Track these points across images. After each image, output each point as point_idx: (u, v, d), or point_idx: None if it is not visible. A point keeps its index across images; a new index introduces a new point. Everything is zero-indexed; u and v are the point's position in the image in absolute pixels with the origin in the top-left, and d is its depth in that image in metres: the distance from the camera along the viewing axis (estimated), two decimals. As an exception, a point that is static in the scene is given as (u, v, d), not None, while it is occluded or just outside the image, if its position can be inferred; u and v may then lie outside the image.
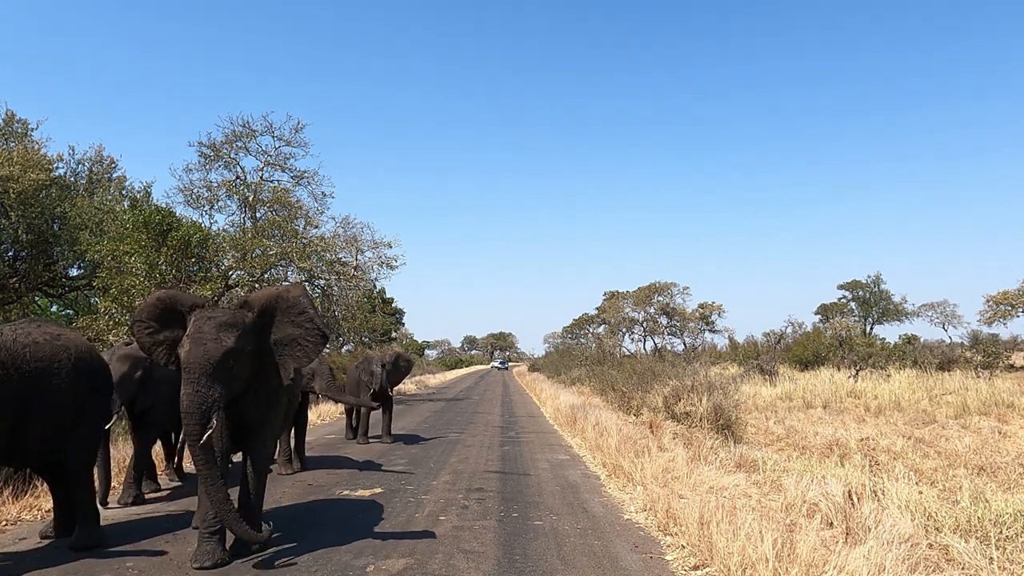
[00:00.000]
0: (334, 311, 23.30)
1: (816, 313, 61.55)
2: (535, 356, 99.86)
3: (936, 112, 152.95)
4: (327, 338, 6.11)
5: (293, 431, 9.89)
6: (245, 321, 5.46)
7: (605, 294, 66.05)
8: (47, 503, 7.25)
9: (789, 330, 54.36)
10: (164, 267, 15.72)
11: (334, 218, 40.85)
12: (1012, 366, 35.13)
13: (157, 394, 7.71)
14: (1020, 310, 41.02)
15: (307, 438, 14.02)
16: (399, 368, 13.60)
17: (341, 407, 17.32)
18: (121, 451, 9.31)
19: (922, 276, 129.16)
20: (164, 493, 8.21)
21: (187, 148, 32.29)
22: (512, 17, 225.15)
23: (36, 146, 17.19)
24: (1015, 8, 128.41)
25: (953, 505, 7.35)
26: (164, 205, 19.01)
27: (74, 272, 19.16)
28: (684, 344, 56.92)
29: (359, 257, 23.26)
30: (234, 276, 18.74)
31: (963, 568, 5.11)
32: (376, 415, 13.91)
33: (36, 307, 21.23)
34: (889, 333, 71.67)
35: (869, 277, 60.52)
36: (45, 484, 7.85)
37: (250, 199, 21.50)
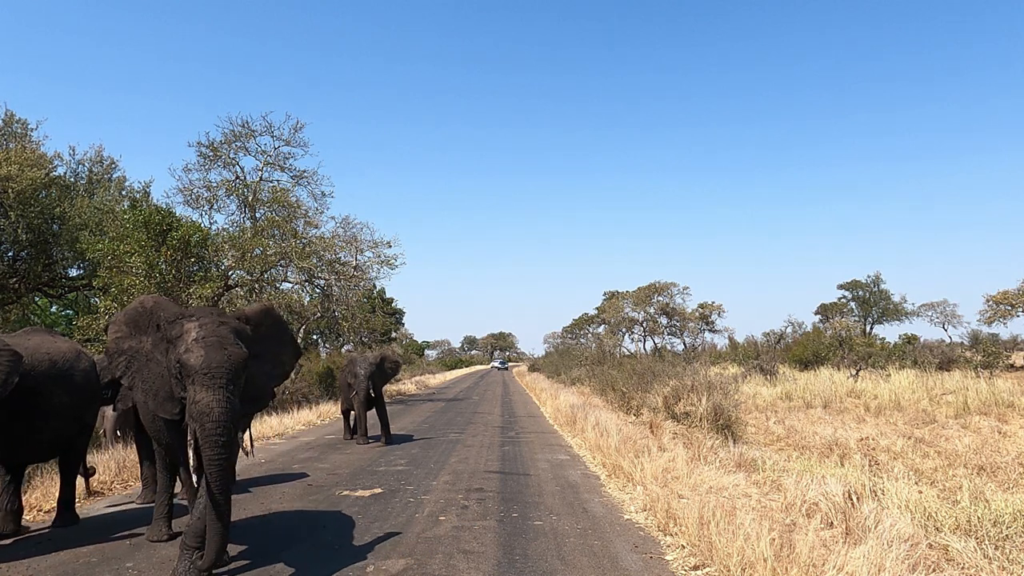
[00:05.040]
0: (334, 311, 23.34)
1: (816, 313, 61.74)
2: (535, 356, 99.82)
3: (936, 112, 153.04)
4: (301, 354, 6.00)
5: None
6: (248, 332, 5.20)
7: (605, 294, 66.18)
8: (47, 503, 7.27)
9: (789, 330, 54.43)
10: (164, 267, 15.72)
11: (334, 218, 41.05)
12: (1012, 366, 35.11)
13: None
14: (1020, 310, 41.00)
15: (308, 438, 14.08)
16: (384, 370, 13.31)
17: (340, 408, 17.31)
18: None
19: (922, 276, 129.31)
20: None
21: (187, 148, 32.38)
22: (512, 18, 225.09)
23: (35, 145, 17.19)
24: (1016, 8, 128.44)
25: (953, 505, 7.35)
26: (164, 205, 19.03)
27: (74, 272, 19.15)
28: (684, 344, 56.96)
29: (359, 257, 23.28)
30: (234, 276, 18.75)
31: (962, 568, 5.11)
32: (373, 417, 13.85)
33: (36, 307, 21.24)
34: (889, 333, 71.82)
35: (869, 277, 60.68)
36: (44, 482, 7.87)
37: (249, 199, 21.52)
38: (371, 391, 12.88)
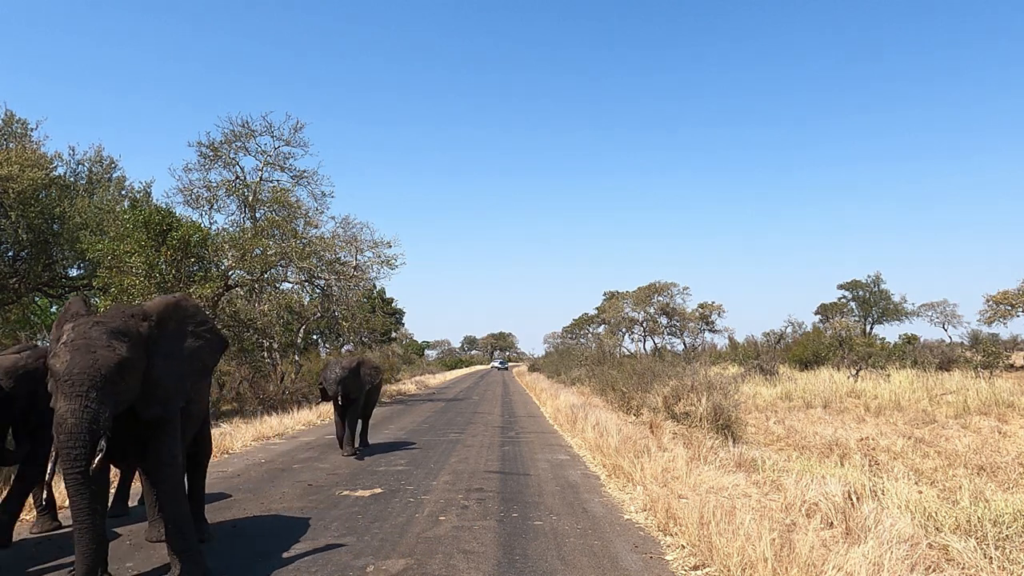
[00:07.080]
0: (334, 311, 23.37)
1: (816, 313, 61.85)
2: (535, 356, 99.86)
3: (936, 112, 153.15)
4: (227, 346, 5.73)
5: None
6: (139, 330, 4.76)
7: (605, 294, 66.29)
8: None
9: (789, 330, 54.47)
10: (164, 267, 15.73)
11: (334, 218, 41.03)
12: (1012, 366, 35.14)
13: None
14: (1020, 310, 41.02)
15: (308, 438, 14.08)
16: (360, 376, 12.12)
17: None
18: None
19: (922, 276, 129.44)
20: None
21: (187, 148, 32.41)
22: (512, 18, 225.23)
23: (35, 145, 17.22)
24: (1016, 8, 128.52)
25: (953, 505, 7.35)
26: (164, 205, 19.05)
27: (74, 272, 19.18)
28: (684, 344, 57.02)
29: (359, 257, 23.31)
30: (234, 276, 18.76)
31: (962, 568, 5.11)
32: (375, 417, 13.74)
33: (36, 307, 21.24)
34: (889, 333, 71.97)
35: (869, 277, 60.83)
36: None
37: (249, 199, 21.55)
38: (340, 398, 11.72)
